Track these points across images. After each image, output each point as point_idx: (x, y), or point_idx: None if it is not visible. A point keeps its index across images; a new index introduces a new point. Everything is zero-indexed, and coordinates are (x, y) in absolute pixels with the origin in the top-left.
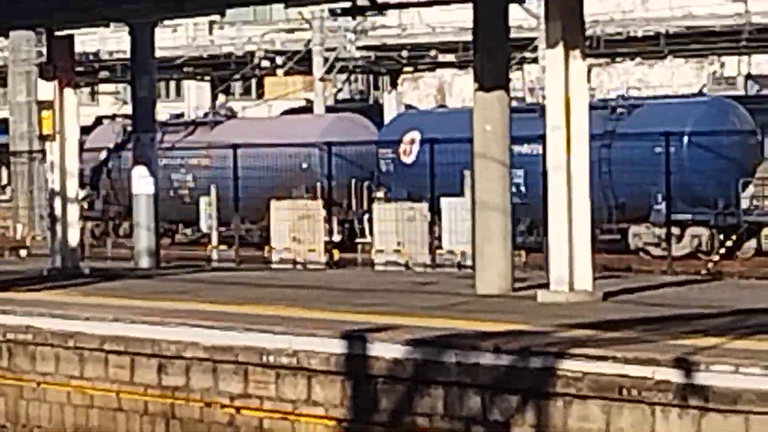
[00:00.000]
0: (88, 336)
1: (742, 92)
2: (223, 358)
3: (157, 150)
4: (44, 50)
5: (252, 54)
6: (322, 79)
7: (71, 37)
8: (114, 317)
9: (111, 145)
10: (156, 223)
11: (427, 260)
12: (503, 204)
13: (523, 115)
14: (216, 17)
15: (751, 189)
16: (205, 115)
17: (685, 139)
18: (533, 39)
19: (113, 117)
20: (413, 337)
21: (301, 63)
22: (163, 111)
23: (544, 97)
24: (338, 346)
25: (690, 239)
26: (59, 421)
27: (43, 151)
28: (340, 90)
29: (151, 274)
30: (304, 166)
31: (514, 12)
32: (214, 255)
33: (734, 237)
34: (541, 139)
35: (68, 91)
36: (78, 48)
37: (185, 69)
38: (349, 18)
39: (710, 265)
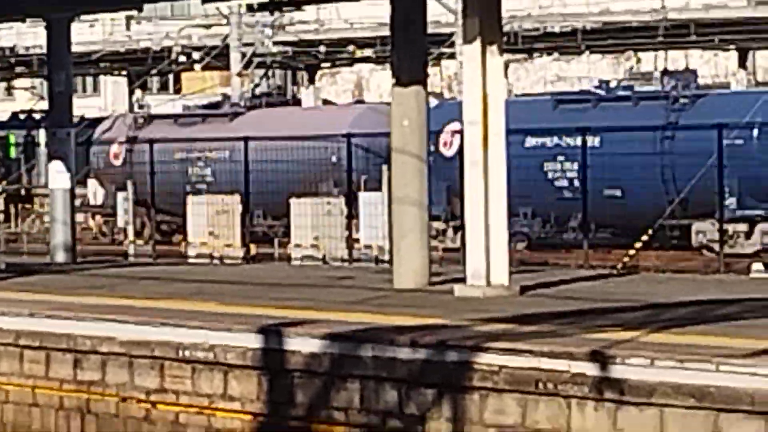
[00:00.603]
0: (3, 331)
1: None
2: (139, 353)
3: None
4: None
5: (169, 49)
6: (239, 75)
7: None
8: (30, 312)
9: (123, 138)
10: (72, 217)
11: (344, 255)
12: (420, 199)
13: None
14: (133, 12)
15: None
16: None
17: (755, 130)
18: (451, 34)
19: (30, 112)
20: (330, 332)
21: (218, 58)
22: (82, 107)
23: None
24: (255, 341)
25: (761, 235)
26: None
27: None
28: (257, 85)
29: (67, 269)
30: (334, 159)
31: (432, 7)
32: (131, 250)
33: None
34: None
35: None
36: None
37: (102, 64)
38: (267, 13)
39: None
